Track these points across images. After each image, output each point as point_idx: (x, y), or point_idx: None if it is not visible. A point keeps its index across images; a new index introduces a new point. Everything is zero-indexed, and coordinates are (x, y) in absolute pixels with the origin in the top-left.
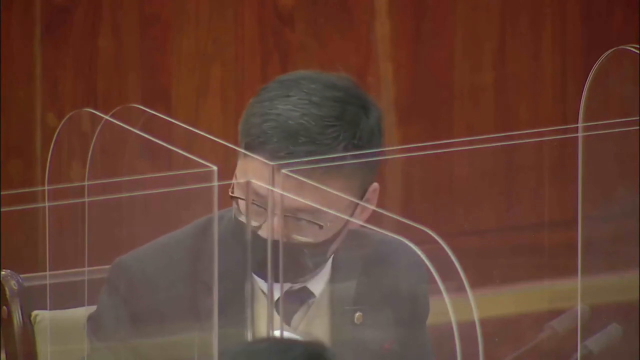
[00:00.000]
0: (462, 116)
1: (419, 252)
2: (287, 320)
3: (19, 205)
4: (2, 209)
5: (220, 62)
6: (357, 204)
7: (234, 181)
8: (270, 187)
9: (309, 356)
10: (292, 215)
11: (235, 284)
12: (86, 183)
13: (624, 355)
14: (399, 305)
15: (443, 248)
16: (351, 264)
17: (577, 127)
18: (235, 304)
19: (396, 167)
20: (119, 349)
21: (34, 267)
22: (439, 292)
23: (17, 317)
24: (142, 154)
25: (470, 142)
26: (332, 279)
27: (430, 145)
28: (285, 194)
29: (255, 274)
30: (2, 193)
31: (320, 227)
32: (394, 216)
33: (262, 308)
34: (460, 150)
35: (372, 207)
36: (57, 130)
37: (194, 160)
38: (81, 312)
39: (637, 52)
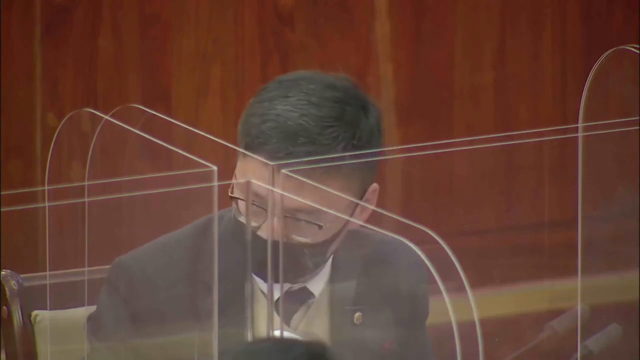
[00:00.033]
0: (462, 116)
1: (419, 252)
2: (286, 321)
3: (19, 205)
4: (2, 209)
5: (220, 62)
6: (357, 204)
7: (232, 181)
8: (270, 187)
9: (310, 356)
10: (291, 215)
11: (235, 284)
12: (86, 183)
13: (624, 355)
14: (398, 305)
15: (443, 248)
16: (351, 264)
17: (577, 127)
18: (235, 304)
19: (396, 167)
20: (118, 349)
21: (34, 267)
22: (439, 292)
23: (17, 317)
24: (142, 154)
25: (470, 142)
26: (332, 279)
27: (430, 145)
28: (285, 193)
29: (254, 274)
30: (2, 193)
31: (320, 227)
32: (394, 216)
33: (261, 308)
34: (460, 150)
35: (372, 207)
36: (57, 130)
37: (194, 160)
38: (81, 312)
39: (637, 52)
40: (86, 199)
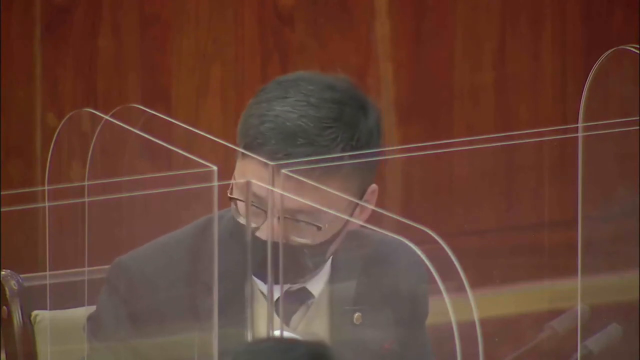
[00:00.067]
0: (462, 116)
1: (419, 252)
2: (286, 321)
3: (19, 205)
4: (2, 209)
5: (220, 62)
6: (356, 205)
7: (232, 181)
8: (270, 187)
9: (311, 356)
10: (290, 217)
11: (234, 284)
12: (86, 183)
13: (624, 355)
14: (398, 305)
15: (443, 248)
16: (350, 264)
17: (577, 127)
18: (235, 304)
19: (396, 167)
20: (118, 349)
21: (34, 267)
22: (439, 292)
23: (17, 317)
24: (142, 154)
25: (470, 142)
26: (331, 280)
27: (430, 145)
28: (285, 193)
29: (254, 275)
30: (2, 193)
31: (319, 228)
32: (394, 216)
33: (261, 308)
34: (460, 150)
35: (372, 207)
36: (57, 130)
37: (194, 160)
38: (81, 312)
39: (637, 52)
40: (86, 199)
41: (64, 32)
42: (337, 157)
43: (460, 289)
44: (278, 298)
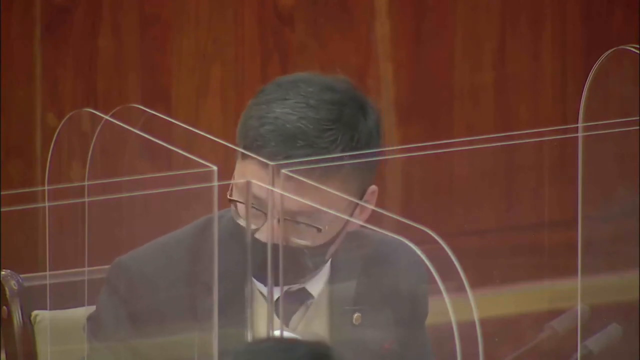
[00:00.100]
0: (462, 116)
1: (419, 252)
2: (285, 321)
3: (19, 205)
4: (2, 209)
5: (220, 62)
6: (356, 206)
7: (232, 181)
8: (270, 187)
9: (313, 355)
10: (290, 218)
11: (234, 284)
12: (86, 183)
13: (624, 355)
14: (398, 305)
15: (443, 248)
16: (350, 264)
17: (577, 127)
18: (235, 304)
19: (396, 167)
20: (118, 349)
21: (34, 267)
22: (439, 292)
23: (17, 317)
24: (142, 154)
25: (470, 142)
26: (331, 280)
27: (430, 145)
28: (284, 193)
29: (253, 276)
30: (2, 193)
31: (319, 230)
32: (394, 216)
33: (260, 309)
34: (460, 150)
35: (371, 207)
36: (57, 130)
37: (194, 160)
38: (81, 312)
39: (637, 52)
40: (86, 199)
41: (64, 32)
42: (337, 157)
43: (460, 289)
44: (278, 298)
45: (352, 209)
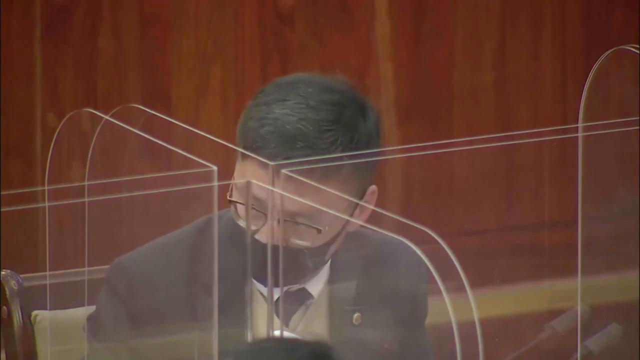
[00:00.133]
0: (462, 116)
1: (419, 252)
2: (285, 321)
3: (19, 205)
4: (2, 209)
5: (220, 62)
6: (356, 206)
7: (232, 181)
8: (270, 187)
9: (313, 355)
10: (290, 219)
11: (234, 284)
12: (86, 183)
13: (624, 355)
14: (398, 305)
15: (443, 248)
16: (349, 264)
17: (577, 127)
18: (235, 304)
19: (396, 167)
20: (118, 349)
21: (34, 267)
22: (439, 292)
23: (17, 317)
24: (142, 154)
25: (470, 142)
26: (331, 280)
27: (430, 145)
28: (285, 194)
29: (253, 277)
30: (2, 193)
31: (319, 231)
32: (394, 216)
33: (260, 309)
34: (460, 150)
35: (371, 207)
36: (57, 130)
37: (194, 160)
38: (81, 312)
39: (637, 52)
40: (86, 199)
41: (64, 32)
42: (336, 157)
43: (460, 289)
44: (278, 298)
45: (352, 209)
